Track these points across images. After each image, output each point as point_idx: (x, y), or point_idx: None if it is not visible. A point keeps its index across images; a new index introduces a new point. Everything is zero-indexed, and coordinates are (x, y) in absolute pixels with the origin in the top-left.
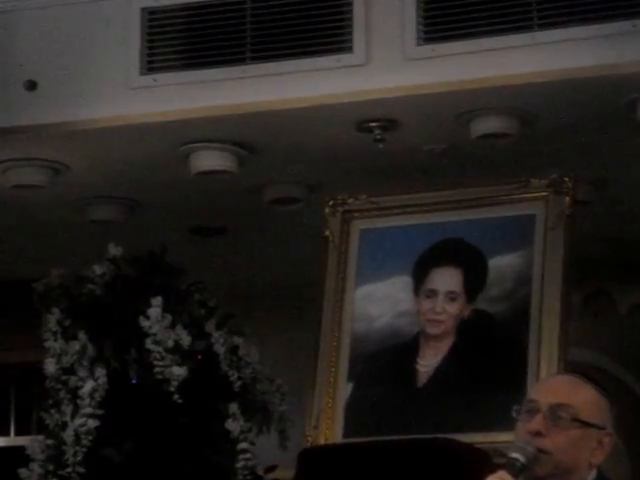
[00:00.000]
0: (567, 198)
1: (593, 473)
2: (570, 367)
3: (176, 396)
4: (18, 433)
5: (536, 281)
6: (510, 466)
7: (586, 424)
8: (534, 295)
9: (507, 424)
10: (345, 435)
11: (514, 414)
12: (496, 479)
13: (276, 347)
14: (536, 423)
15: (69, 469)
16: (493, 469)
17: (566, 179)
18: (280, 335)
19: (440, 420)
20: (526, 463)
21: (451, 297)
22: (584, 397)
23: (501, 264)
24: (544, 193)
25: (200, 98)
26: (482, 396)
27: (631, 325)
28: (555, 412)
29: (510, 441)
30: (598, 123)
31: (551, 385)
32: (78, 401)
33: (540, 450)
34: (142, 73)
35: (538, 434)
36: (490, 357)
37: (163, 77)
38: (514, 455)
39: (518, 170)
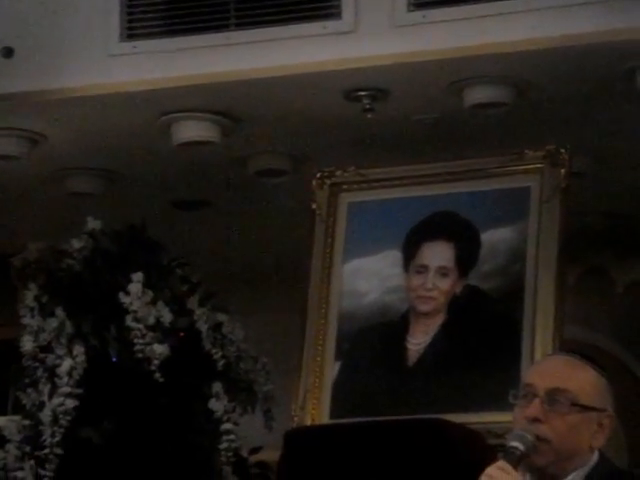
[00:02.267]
0: (563, 170)
1: (594, 456)
2: (566, 345)
3: (157, 375)
4: None
5: (530, 256)
6: (509, 455)
7: (586, 408)
8: (528, 271)
9: (500, 404)
10: (332, 415)
11: (511, 399)
12: (496, 469)
13: (261, 325)
14: (534, 409)
15: (46, 450)
16: (486, 450)
17: (562, 150)
18: (265, 312)
19: (431, 400)
20: (525, 452)
21: (442, 273)
22: (582, 379)
23: (494, 238)
24: (539, 165)
25: (182, 66)
26: (474, 375)
27: (628, 303)
28: (553, 397)
29: (504, 421)
30: (596, 92)
31: (547, 368)
32: (56, 380)
33: (539, 438)
34: (122, 40)
35: (536, 420)
36: (483, 335)
37: (143, 44)
38: (513, 444)
39: (513, 141)
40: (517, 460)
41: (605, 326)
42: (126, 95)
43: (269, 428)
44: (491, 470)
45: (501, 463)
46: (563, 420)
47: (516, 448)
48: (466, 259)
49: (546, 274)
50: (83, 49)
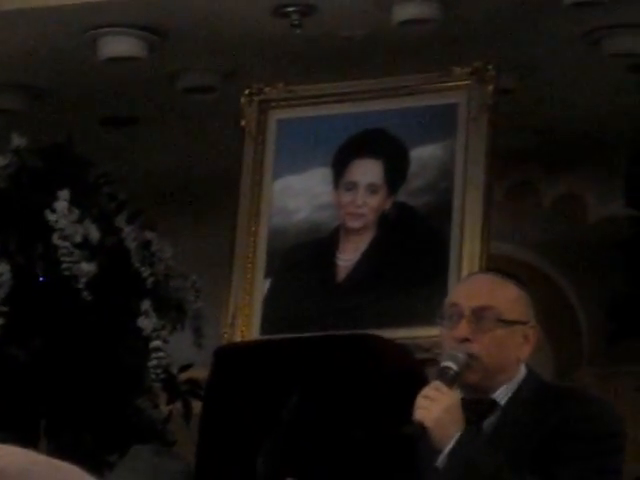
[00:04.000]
0: (490, 86)
1: (522, 369)
2: (493, 261)
3: (85, 293)
4: None
5: (458, 172)
6: (443, 375)
7: (510, 322)
8: (456, 187)
9: (428, 319)
10: (263, 332)
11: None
12: (432, 390)
13: (191, 242)
14: (462, 329)
15: None
16: (414, 363)
17: (489, 67)
18: (195, 230)
19: (360, 316)
20: (459, 371)
21: (372, 190)
22: (505, 295)
23: (423, 155)
24: (467, 82)
25: None
26: (403, 291)
27: (556, 217)
28: (478, 315)
29: (431, 336)
30: (522, 8)
31: (471, 287)
32: None
33: (470, 356)
34: None
35: (465, 340)
36: (411, 251)
37: None
38: (446, 364)
39: (441, 58)
40: (451, 380)
41: (532, 241)
42: (51, 9)
43: (199, 346)
44: (427, 391)
45: (437, 384)
46: (490, 336)
47: (450, 368)
48: (395, 176)
49: (474, 190)
50: None
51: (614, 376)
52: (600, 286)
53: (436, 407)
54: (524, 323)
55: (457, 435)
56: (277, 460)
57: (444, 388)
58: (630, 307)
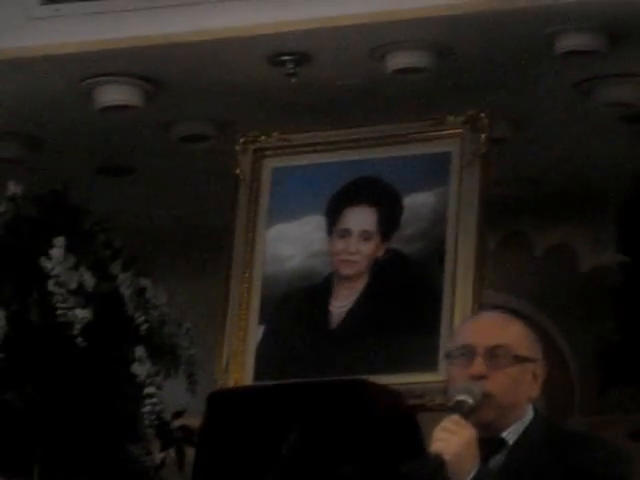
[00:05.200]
0: (483, 135)
1: (530, 409)
2: (485, 309)
3: (80, 339)
4: None
5: (451, 220)
6: (459, 408)
7: (523, 359)
8: (449, 234)
9: (420, 365)
10: (256, 378)
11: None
12: (451, 423)
13: (186, 290)
14: (477, 366)
15: None
16: (406, 409)
17: (482, 115)
18: (190, 277)
19: (353, 362)
20: (474, 405)
21: (365, 237)
22: (516, 333)
23: (416, 203)
24: (460, 130)
25: (105, 29)
26: (396, 337)
27: (547, 267)
28: (493, 353)
29: (423, 382)
30: (516, 58)
31: (482, 326)
32: None
33: (484, 394)
34: (43, 3)
35: (481, 377)
36: (404, 298)
37: (66, 7)
38: (462, 397)
39: (435, 107)
40: (467, 413)
41: (525, 290)
42: (48, 59)
43: (193, 392)
44: (447, 424)
45: (456, 417)
46: (504, 374)
47: (465, 401)
48: (388, 223)
49: (466, 238)
50: (3, 12)
51: (605, 425)
52: (591, 335)
53: (456, 440)
54: (534, 361)
55: (475, 470)
56: None
57: (463, 421)
58: (621, 355)
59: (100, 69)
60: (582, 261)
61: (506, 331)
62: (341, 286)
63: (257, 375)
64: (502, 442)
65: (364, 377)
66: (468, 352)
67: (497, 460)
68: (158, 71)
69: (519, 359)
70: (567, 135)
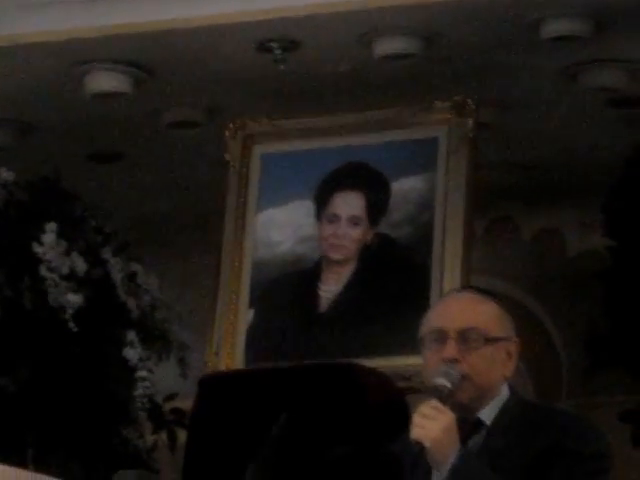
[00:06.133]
0: (470, 120)
1: (505, 388)
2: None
3: (72, 324)
4: None
5: (439, 205)
6: (438, 393)
7: (495, 339)
8: (437, 219)
9: (409, 348)
10: (247, 362)
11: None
12: (430, 408)
13: (177, 275)
14: (451, 350)
15: None
16: (395, 392)
17: (469, 101)
18: (181, 262)
19: (342, 345)
20: (452, 388)
21: (354, 222)
22: (487, 313)
23: (404, 188)
24: (447, 116)
25: (95, 17)
26: (384, 321)
27: (535, 250)
28: (464, 336)
29: (412, 365)
30: (502, 44)
31: (452, 309)
32: None
33: (461, 375)
34: None
35: (454, 361)
36: (392, 282)
37: None
38: (440, 382)
39: (422, 92)
40: (445, 397)
41: (513, 275)
42: (38, 46)
43: (184, 376)
44: (425, 409)
45: (434, 402)
46: (477, 355)
47: (444, 386)
48: (376, 208)
49: (454, 222)
50: None
51: (593, 407)
52: (579, 318)
53: (435, 426)
54: (507, 339)
55: (455, 455)
56: (266, 475)
57: (441, 407)
58: (608, 339)
59: (90, 56)
60: (570, 245)
61: (476, 313)
62: (330, 271)
63: (247, 359)
64: (480, 423)
65: (353, 360)
66: (440, 336)
67: (476, 441)
68: (148, 58)
69: (491, 340)
70: (554, 120)
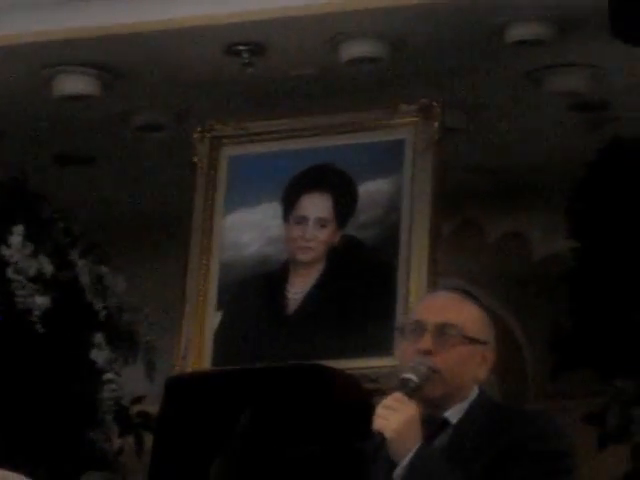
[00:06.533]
0: (435, 123)
1: (475, 390)
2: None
3: (38, 326)
4: None
5: (405, 207)
6: (404, 386)
7: (472, 340)
8: (403, 221)
9: (376, 350)
10: (214, 364)
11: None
12: (392, 400)
13: (144, 277)
14: (426, 342)
15: None
16: (362, 393)
17: (435, 104)
18: (148, 265)
19: (310, 347)
20: (419, 383)
21: (321, 224)
22: (468, 313)
23: (371, 190)
24: (413, 118)
25: (63, 19)
26: (351, 323)
27: (499, 253)
28: (442, 331)
29: (379, 366)
30: (467, 48)
31: (435, 304)
32: None
33: (431, 369)
34: None
35: (428, 353)
36: (359, 284)
37: None
38: (407, 375)
39: (388, 95)
40: (412, 391)
41: (478, 277)
42: (6, 48)
43: (151, 378)
44: (388, 401)
45: (397, 394)
46: (452, 352)
47: (410, 379)
48: (344, 210)
49: (420, 225)
50: None
51: (559, 409)
52: (544, 320)
53: (396, 418)
54: (484, 343)
55: (415, 448)
56: (231, 472)
57: (405, 399)
58: (573, 340)
59: (58, 59)
60: (535, 248)
61: (457, 311)
62: (297, 272)
63: (215, 361)
64: (446, 422)
65: (320, 362)
66: (418, 328)
67: (441, 440)
68: (116, 61)
69: (468, 339)
70: (518, 124)
